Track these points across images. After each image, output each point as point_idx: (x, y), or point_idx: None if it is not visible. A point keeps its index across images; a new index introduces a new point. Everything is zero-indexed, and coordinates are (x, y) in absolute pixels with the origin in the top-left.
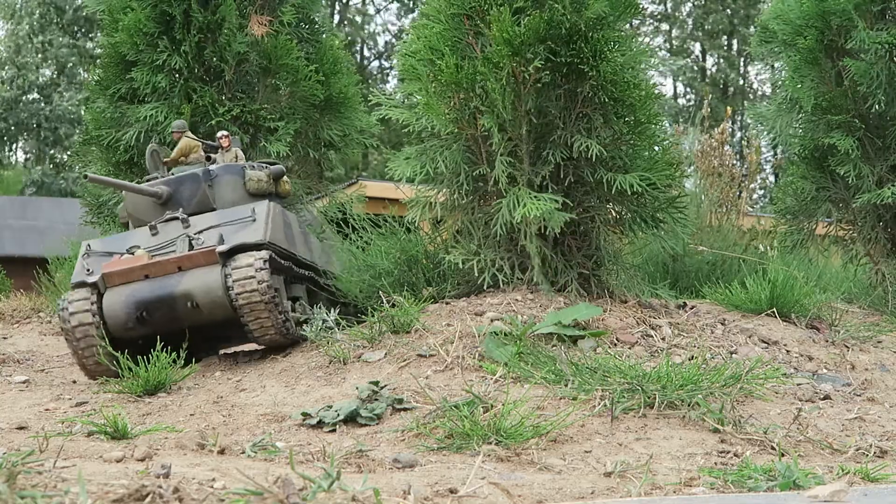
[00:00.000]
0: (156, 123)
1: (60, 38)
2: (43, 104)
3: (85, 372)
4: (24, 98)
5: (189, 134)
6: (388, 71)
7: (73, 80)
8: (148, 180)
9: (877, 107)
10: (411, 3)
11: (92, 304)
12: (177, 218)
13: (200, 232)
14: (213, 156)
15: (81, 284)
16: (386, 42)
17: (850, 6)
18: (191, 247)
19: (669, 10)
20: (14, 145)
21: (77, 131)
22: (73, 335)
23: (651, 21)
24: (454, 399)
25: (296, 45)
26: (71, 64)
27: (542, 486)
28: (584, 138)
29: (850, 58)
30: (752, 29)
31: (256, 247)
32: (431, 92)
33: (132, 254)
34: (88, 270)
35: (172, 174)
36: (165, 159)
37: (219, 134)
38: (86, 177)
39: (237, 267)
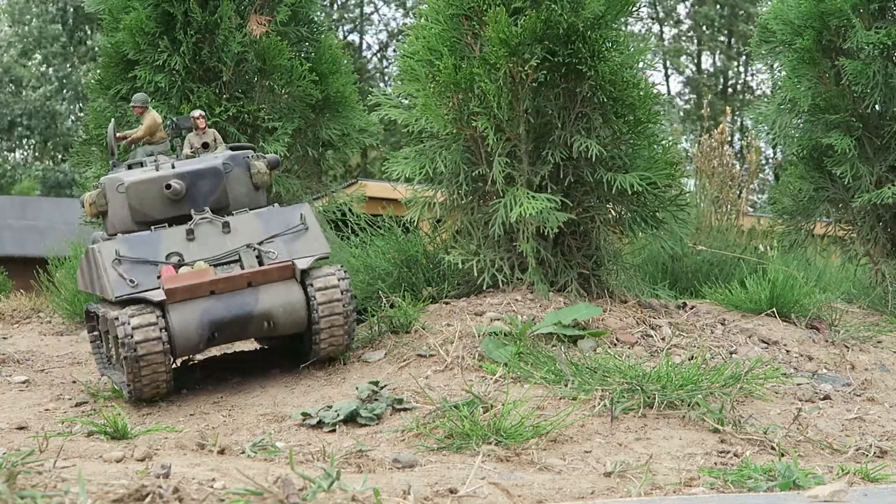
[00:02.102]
0: None
1: (57, 30)
2: (15, 98)
3: (134, 396)
4: (7, 93)
5: (154, 111)
6: (386, 69)
7: (58, 75)
8: (114, 164)
9: (875, 107)
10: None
11: (161, 329)
12: (210, 220)
13: (261, 243)
14: (190, 138)
15: (141, 301)
16: (380, 42)
17: (847, 6)
18: (260, 260)
19: (666, 11)
20: (14, 145)
21: (46, 125)
22: (136, 361)
23: (646, 22)
24: (454, 399)
25: (286, 45)
26: (66, 63)
27: (542, 486)
28: (583, 138)
29: (847, 58)
30: (748, 25)
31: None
32: (430, 92)
33: (177, 263)
34: (133, 282)
35: (126, 158)
36: (127, 134)
37: (195, 113)
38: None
39: (322, 284)
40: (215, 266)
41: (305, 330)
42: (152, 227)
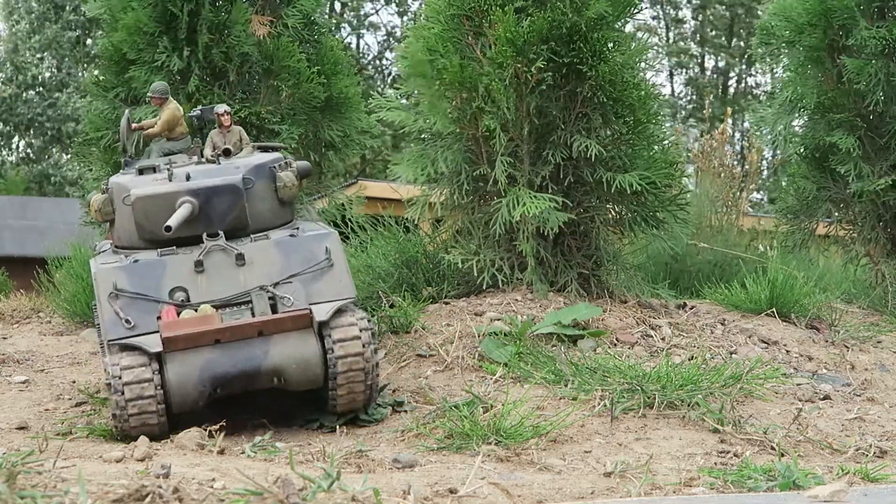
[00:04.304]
0: None
1: (64, 34)
2: (45, 102)
3: (125, 433)
4: (23, 95)
5: (174, 102)
6: (386, 69)
7: (72, 77)
8: (126, 162)
9: (877, 105)
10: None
11: (156, 386)
12: (223, 248)
13: (276, 285)
14: (213, 136)
15: (134, 349)
16: (379, 43)
17: (852, 3)
18: (273, 307)
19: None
20: (14, 143)
21: (79, 128)
22: (125, 420)
23: (648, 25)
24: (454, 399)
25: (296, 46)
26: (68, 61)
27: (541, 486)
28: (583, 138)
29: (848, 56)
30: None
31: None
32: (434, 92)
33: (180, 303)
34: (129, 323)
35: (136, 155)
36: (141, 126)
37: (219, 109)
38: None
39: (342, 336)
40: (223, 308)
41: (322, 386)
42: (159, 250)
